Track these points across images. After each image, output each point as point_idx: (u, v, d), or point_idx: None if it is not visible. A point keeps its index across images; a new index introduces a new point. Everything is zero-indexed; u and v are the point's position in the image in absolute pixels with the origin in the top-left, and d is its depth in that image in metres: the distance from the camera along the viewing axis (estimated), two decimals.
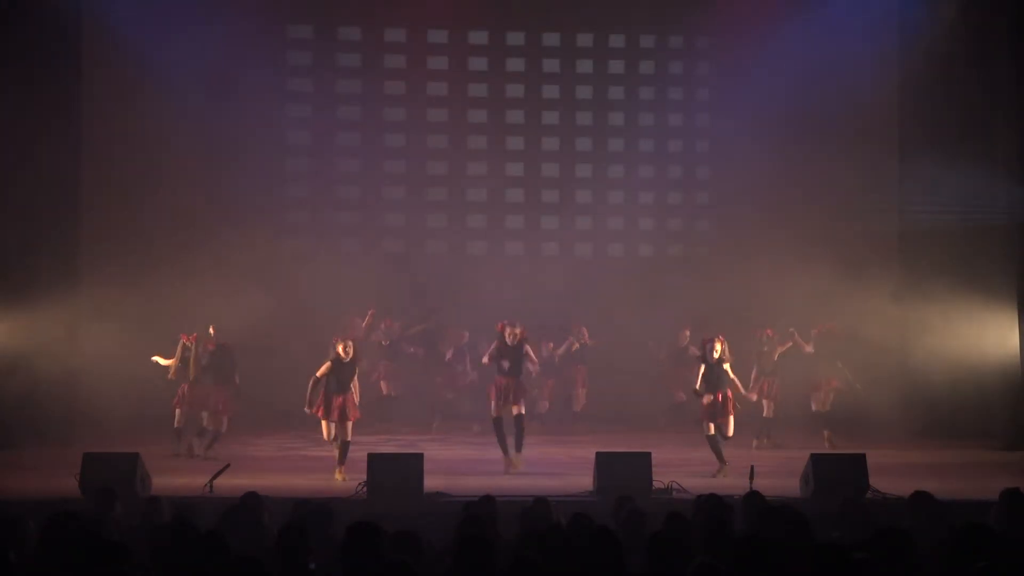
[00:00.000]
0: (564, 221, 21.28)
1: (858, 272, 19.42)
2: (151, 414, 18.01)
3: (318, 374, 14.25)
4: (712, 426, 14.65)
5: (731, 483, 12.54)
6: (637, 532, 7.88)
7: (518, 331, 14.85)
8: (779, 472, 13.80)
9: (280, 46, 20.45)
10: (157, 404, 17.85)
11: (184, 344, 16.23)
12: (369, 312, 18.02)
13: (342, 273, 19.72)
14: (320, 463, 14.75)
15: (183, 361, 16.18)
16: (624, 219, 21.33)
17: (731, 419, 14.78)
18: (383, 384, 19.08)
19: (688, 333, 18.92)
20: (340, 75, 20.80)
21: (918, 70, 18.96)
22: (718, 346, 14.73)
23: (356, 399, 14.51)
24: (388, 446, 16.04)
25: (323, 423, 14.38)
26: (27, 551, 7.25)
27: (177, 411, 16.20)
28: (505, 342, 14.86)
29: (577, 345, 18.97)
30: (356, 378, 14.57)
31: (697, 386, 14.83)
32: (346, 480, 13.43)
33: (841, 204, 19.93)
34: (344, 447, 14.09)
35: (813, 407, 17.25)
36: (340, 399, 14.19)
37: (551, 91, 21.35)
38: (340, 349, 14.19)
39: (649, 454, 12.80)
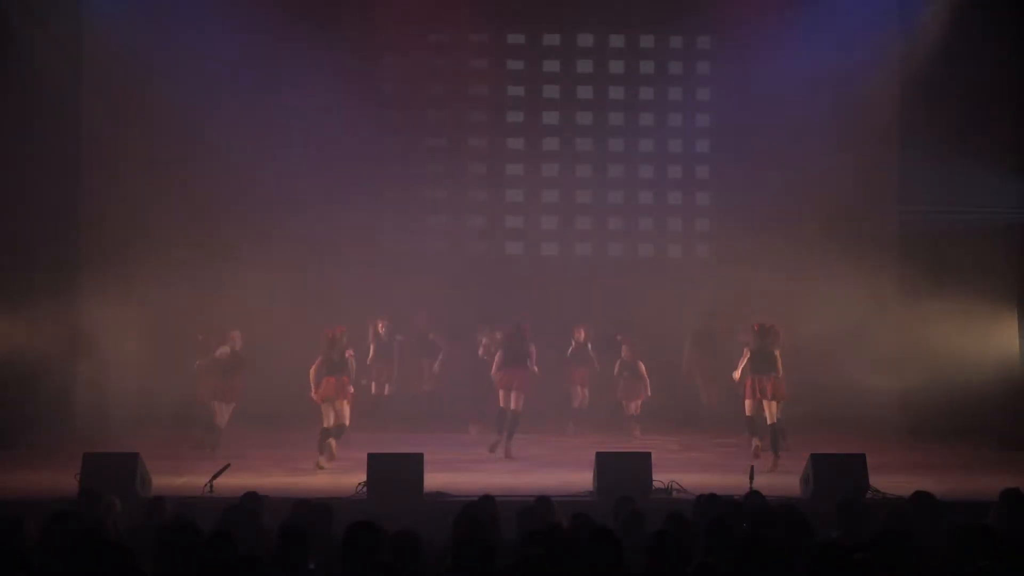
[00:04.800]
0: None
1: (857, 271, 19.44)
2: (152, 414, 18.04)
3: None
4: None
5: (731, 483, 12.53)
6: (637, 532, 7.88)
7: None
8: (779, 472, 13.82)
9: (278, 46, 20.40)
10: (158, 404, 17.89)
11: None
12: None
13: (340, 276, 19.76)
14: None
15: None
16: (624, 219, 21.31)
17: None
18: (373, 384, 18.93)
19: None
20: (341, 75, 20.77)
21: (918, 69, 18.95)
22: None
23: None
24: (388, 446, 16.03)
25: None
26: (27, 551, 7.26)
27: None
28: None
29: (574, 345, 18.88)
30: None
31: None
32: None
33: (840, 203, 19.90)
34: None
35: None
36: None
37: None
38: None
39: (649, 454, 12.81)
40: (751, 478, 11.90)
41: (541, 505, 9.09)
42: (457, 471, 14.10)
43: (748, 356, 15.29)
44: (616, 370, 18.40)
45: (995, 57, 17.78)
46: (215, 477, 12.27)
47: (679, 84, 21.31)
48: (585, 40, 21.25)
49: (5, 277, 17.13)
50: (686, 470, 13.69)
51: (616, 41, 21.22)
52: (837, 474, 12.38)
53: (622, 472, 12.43)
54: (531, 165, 21.24)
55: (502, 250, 21.25)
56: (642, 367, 18.25)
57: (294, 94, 20.04)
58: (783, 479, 13.11)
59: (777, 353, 15.23)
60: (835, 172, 19.83)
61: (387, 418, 18.80)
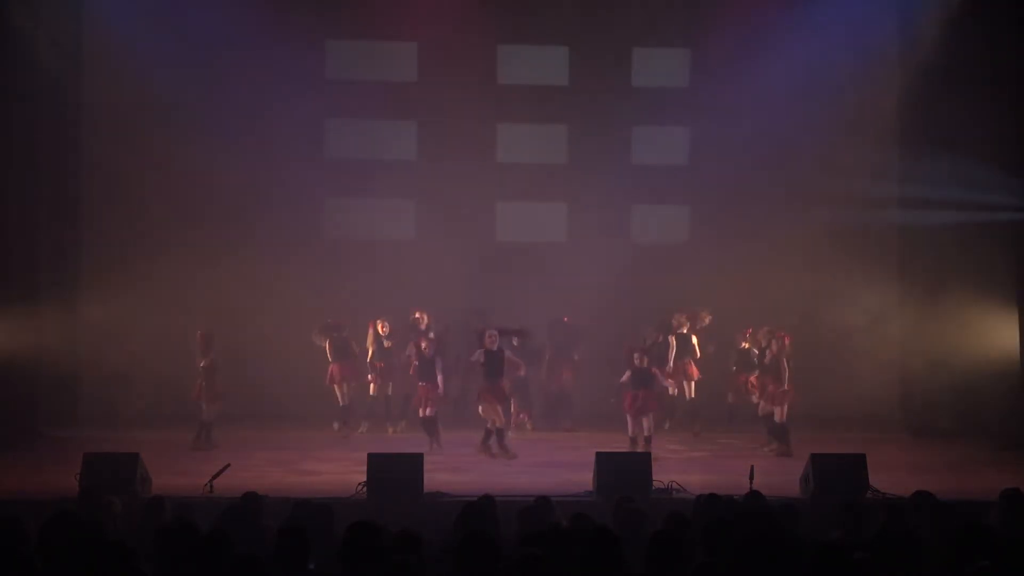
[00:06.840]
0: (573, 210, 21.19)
1: (857, 271, 19.44)
2: (151, 413, 18.05)
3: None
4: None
5: (731, 483, 12.53)
6: (637, 532, 7.88)
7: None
8: (779, 472, 13.81)
9: (279, 45, 20.40)
10: (157, 403, 17.89)
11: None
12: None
13: (339, 273, 19.76)
14: (320, 463, 14.76)
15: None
16: (619, 212, 21.15)
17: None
18: (372, 385, 18.51)
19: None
20: (341, 75, 20.79)
21: (918, 68, 18.96)
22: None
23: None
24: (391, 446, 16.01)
25: None
26: (27, 551, 7.25)
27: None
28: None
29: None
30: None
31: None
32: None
33: (841, 201, 19.91)
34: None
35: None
36: None
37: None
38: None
39: (649, 454, 12.82)
40: (751, 478, 11.89)
41: (541, 505, 9.09)
42: (457, 471, 14.10)
43: (674, 348, 17.69)
44: (625, 379, 15.94)
45: (994, 56, 17.77)
46: (215, 477, 12.27)
47: (673, 84, 21.19)
48: (574, 46, 21.16)
49: (6, 276, 17.13)
50: (686, 470, 13.70)
51: (617, 41, 21.14)
52: (837, 474, 12.39)
53: (622, 472, 12.43)
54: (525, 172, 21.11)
55: (491, 245, 21.04)
56: (659, 376, 16.15)
57: (294, 92, 20.03)
58: (783, 479, 13.09)
59: (671, 339, 17.75)
60: (835, 172, 19.83)
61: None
